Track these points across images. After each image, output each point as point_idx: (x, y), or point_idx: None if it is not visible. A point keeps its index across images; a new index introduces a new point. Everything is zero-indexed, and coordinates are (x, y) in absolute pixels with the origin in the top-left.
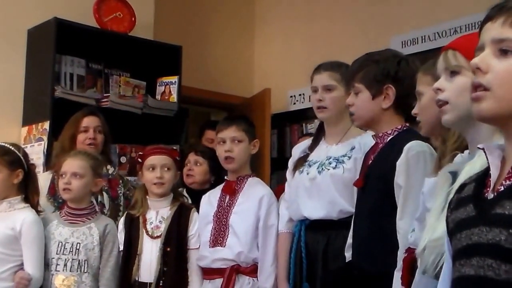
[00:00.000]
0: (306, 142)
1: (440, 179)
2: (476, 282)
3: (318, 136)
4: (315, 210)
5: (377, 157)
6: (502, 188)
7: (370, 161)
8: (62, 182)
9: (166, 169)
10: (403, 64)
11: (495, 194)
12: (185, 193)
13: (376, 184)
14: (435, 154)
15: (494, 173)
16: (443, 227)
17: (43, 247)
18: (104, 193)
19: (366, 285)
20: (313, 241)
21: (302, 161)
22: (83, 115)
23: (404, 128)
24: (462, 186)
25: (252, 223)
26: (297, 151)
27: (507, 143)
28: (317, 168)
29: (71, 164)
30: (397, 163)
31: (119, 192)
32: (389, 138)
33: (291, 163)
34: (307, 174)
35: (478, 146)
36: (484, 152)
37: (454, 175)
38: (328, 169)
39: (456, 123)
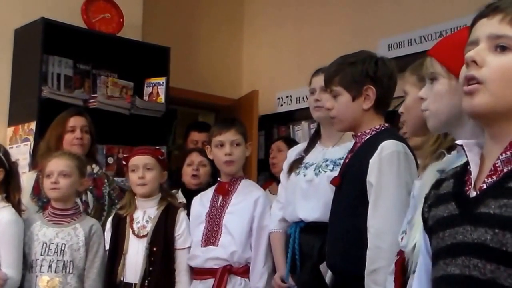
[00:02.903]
0: (302, 145)
1: (428, 178)
2: (462, 282)
3: (314, 139)
4: (311, 212)
5: (354, 156)
6: (485, 186)
7: (348, 160)
8: (49, 181)
9: (148, 168)
10: (380, 64)
11: (478, 192)
12: (180, 193)
13: (351, 183)
14: (410, 154)
15: (474, 170)
16: None
17: (21, 247)
18: (89, 193)
19: (340, 284)
20: (307, 244)
21: (297, 163)
22: (70, 115)
23: (383, 128)
24: (439, 182)
25: (247, 223)
26: (292, 153)
27: (489, 141)
28: (314, 170)
29: (58, 164)
30: (370, 161)
31: (104, 191)
32: (366, 138)
33: (286, 165)
34: (304, 176)
35: (457, 142)
36: (463, 148)
37: (442, 173)
38: (325, 171)
39: (440, 129)
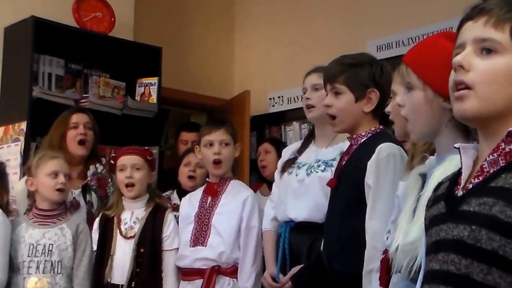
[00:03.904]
0: (296, 144)
1: (411, 182)
2: (440, 277)
3: (308, 139)
4: (300, 211)
5: (350, 158)
6: (471, 186)
7: (344, 162)
8: (56, 181)
9: (136, 169)
10: (384, 69)
11: (464, 191)
12: (175, 194)
13: (348, 185)
14: (405, 156)
15: (465, 172)
16: (416, 231)
17: (7, 248)
18: (93, 193)
19: (337, 285)
20: (297, 243)
21: (290, 163)
22: (72, 112)
23: (378, 130)
24: (439, 185)
25: (236, 223)
26: (287, 153)
27: (483, 143)
28: (306, 170)
29: (63, 165)
30: (368, 163)
31: (108, 191)
32: (362, 140)
33: (280, 164)
34: (296, 175)
35: (455, 145)
36: (459, 151)
37: (424, 177)
38: (317, 172)
39: (421, 139)
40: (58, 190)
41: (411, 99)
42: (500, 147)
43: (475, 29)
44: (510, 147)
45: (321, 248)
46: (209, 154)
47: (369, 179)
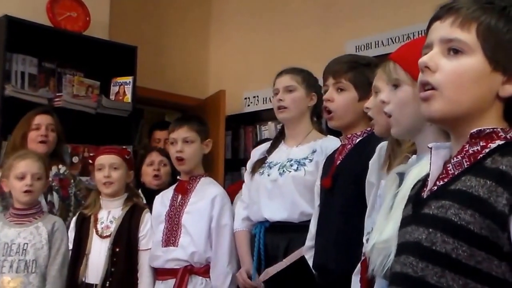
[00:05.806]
0: (265, 144)
1: (388, 180)
2: (400, 279)
3: (278, 139)
4: (276, 212)
5: (347, 157)
6: (435, 188)
7: (339, 162)
8: (23, 184)
9: (114, 168)
10: None
11: (429, 194)
12: (140, 192)
13: (347, 184)
14: None
15: (433, 173)
16: (391, 229)
17: None
18: (55, 193)
19: (327, 284)
20: (273, 244)
21: (260, 163)
22: (36, 113)
23: (373, 131)
24: (415, 185)
25: (205, 223)
26: (256, 153)
27: (454, 144)
28: (278, 170)
29: (31, 166)
30: (370, 161)
31: (70, 192)
32: (358, 140)
33: (249, 165)
34: (268, 175)
35: (428, 145)
36: (431, 151)
37: (402, 175)
38: (290, 171)
39: (403, 135)
40: (25, 192)
41: (398, 95)
42: (464, 149)
43: (442, 29)
44: (473, 148)
45: (304, 250)
46: (173, 152)
47: (372, 176)
